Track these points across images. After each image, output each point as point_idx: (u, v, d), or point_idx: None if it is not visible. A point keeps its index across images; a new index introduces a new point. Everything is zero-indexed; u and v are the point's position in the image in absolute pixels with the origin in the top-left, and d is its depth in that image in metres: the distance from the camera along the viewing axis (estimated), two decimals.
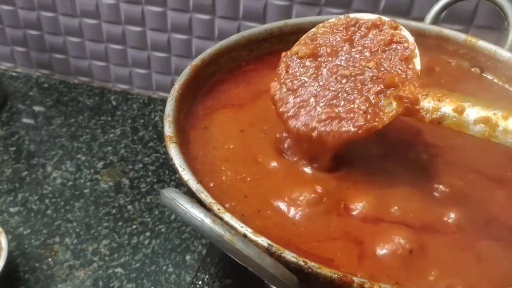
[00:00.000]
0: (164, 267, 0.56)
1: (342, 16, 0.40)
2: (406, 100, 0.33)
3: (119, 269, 0.56)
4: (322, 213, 0.34)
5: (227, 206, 0.34)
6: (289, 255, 0.28)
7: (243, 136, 0.41)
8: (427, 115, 0.33)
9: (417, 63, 0.35)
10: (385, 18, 0.39)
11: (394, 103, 0.34)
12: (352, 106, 0.35)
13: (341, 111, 0.35)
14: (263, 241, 0.28)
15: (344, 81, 0.36)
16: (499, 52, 0.47)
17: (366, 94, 0.35)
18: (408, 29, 0.37)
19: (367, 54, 0.37)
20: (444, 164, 0.38)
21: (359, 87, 0.35)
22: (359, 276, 0.27)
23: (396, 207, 0.35)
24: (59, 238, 0.58)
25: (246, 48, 0.50)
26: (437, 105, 0.32)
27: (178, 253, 0.58)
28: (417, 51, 0.36)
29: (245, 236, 0.28)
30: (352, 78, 0.36)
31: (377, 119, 0.34)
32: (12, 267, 0.55)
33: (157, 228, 0.60)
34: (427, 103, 0.33)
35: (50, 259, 0.56)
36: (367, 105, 0.35)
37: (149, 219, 0.61)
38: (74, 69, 0.83)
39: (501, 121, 0.30)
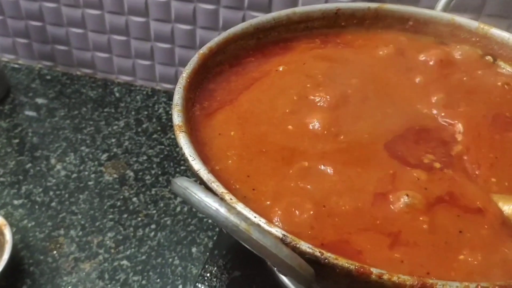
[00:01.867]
0: (170, 260, 0.55)
1: None
2: None
3: (124, 262, 0.55)
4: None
5: (234, 187, 0.33)
6: (304, 246, 0.27)
7: (244, 123, 0.40)
8: None
9: None
10: None
11: None
12: None
13: None
14: (277, 231, 0.28)
15: None
16: None
17: None
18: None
19: None
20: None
21: None
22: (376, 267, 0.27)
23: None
24: (64, 231, 0.58)
25: (254, 36, 0.49)
26: None
27: (184, 245, 0.57)
28: None
29: (258, 226, 0.28)
30: None
31: None
32: (17, 260, 0.54)
33: (163, 220, 0.60)
34: None
35: (55, 252, 0.56)
36: None
37: (154, 211, 0.61)
38: (76, 61, 0.82)
39: None
